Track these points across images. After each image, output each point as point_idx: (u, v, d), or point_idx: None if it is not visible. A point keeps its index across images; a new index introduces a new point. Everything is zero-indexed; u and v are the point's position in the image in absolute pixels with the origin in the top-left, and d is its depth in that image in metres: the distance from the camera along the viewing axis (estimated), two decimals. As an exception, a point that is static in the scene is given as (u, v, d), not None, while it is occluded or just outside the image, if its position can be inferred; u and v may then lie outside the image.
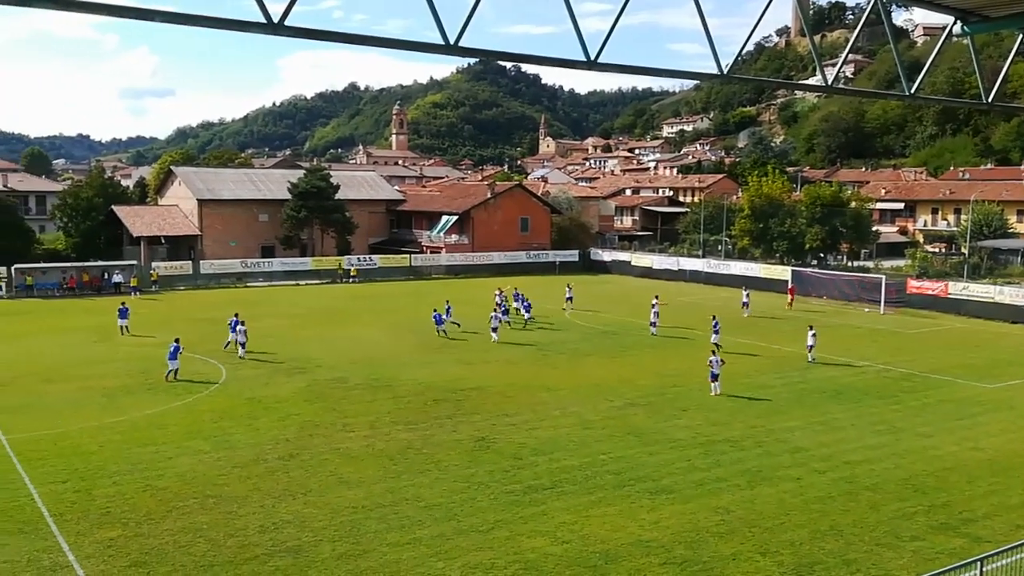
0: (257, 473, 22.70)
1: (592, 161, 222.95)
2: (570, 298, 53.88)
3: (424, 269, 79.54)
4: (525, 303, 48.66)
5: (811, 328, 39.58)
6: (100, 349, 41.21)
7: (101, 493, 21.08)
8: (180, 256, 75.33)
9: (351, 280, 73.13)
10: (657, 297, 48.82)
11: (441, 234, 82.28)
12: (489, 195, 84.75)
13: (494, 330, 42.90)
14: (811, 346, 38.59)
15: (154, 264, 69.97)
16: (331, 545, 18.04)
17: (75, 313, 54.00)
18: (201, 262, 72.02)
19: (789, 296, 59.08)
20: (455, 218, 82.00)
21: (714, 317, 43.39)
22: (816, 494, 21.48)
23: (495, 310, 44.93)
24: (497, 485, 21.85)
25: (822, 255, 76.48)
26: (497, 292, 50.77)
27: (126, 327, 43.89)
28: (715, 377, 31.96)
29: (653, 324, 45.52)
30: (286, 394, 31.79)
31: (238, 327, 39.30)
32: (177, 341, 34.83)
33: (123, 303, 43.91)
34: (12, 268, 63.19)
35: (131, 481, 21.94)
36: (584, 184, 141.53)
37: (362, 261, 77.58)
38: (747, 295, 54.74)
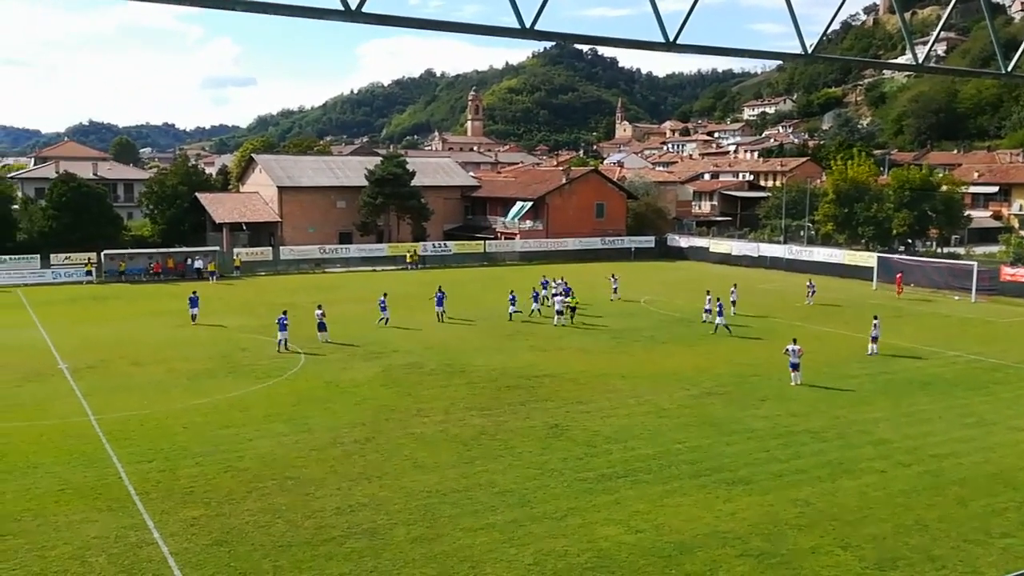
0: (334, 456, 23.16)
1: (670, 145, 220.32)
2: (616, 288, 53.12)
3: (498, 255, 79.86)
4: (555, 292, 47.61)
5: (875, 318, 38.19)
6: (184, 333, 42.52)
7: (185, 473, 21.80)
8: (261, 242, 77.26)
9: (415, 267, 73.95)
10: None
11: (515, 220, 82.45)
12: (564, 180, 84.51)
13: (559, 313, 43.68)
14: (874, 337, 37.04)
15: (235, 250, 71.93)
16: (406, 528, 18.30)
17: (161, 298, 55.83)
18: (281, 248, 73.81)
19: (896, 285, 57.22)
20: (529, 204, 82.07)
21: (734, 286, 46.21)
22: (900, 487, 20.91)
23: (552, 296, 45.94)
24: (570, 472, 21.85)
25: (910, 241, 74.13)
26: (557, 281, 51.18)
27: (195, 316, 44.31)
28: (795, 367, 31.33)
29: (708, 311, 44.23)
30: (362, 378, 32.33)
31: (316, 313, 40.15)
32: (284, 314, 37.98)
33: (194, 291, 44.87)
34: (102, 254, 65.82)
35: (213, 462, 22.62)
36: (661, 169, 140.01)
37: (437, 247, 78.56)
38: (812, 285, 53.58)
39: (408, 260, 74.32)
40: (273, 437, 24.81)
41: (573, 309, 43.34)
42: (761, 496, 20.23)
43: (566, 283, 50.74)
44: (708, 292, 46.64)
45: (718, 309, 42.34)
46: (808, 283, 54.20)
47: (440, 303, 45.33)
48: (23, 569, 16.40)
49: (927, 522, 18.81)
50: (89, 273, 64.54)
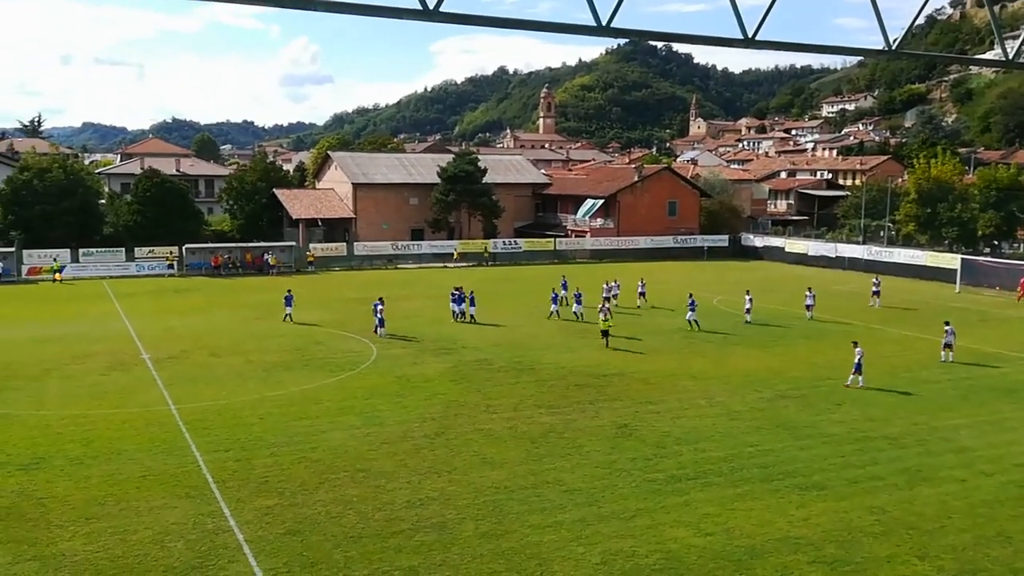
0: (404, 450, 23.44)
1: (745, 143, 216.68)
2: (642, 293, 50.23)
3: (568, 253, 79.77)
4: (576, 293, 46.68)
5: (947, 324, 36.12)
6: (261, 326, 43.49)
7: (260, 463, 22.32)
8: (335, 238, 78.51)
9: (487, 263, 74.51)
10: (810, 289, 47.06)
11: (586, 218, 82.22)
12: (636, 178, 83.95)
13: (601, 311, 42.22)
14: (946, 344, 35.24)
15: (311, 245, 73.29)
16: (474, 523, 18.43)
17: (239, 291, 57.30)
18: (355, 244, 75.01)
19: (1020, 289, 53.98)
20: (601, 202, 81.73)
21: (746, 296, 45.35)
22: (982, 497, 20.23)
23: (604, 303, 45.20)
24: (639, 473, 21.73)
25: (996, 242, 71.57)
26: (610, 283, 50.05)
27: (290, 315, 44.30)
28: (858, 368, 30.62)
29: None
30: (432, 374, 32.64)
31: (376, 307, 40.80)
32: (380, 300, 40.57)
33: (289, 290, 45.20)
34: (184, 248, 67.79)
35: (287, 452, 23.10)
36: (736, 167, 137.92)
37: (507, 244, 78.85)
38: (877, 283, 52.12)
39: (454, 256, 74.84)
40: (345, 430, 25.23)
41: (604, 333, 38.47)
42: (835, 502, 19.79)
43: (617, 284, 50.05)
44: (748, 292, 46.07)
45: (690, 304, 43.30)
46: (874, 280, 52.82)
47: (459, 302, 44.92)
48: (106, 552, 17.03)
49: (1010, 534, 18.17)
50: (171, 266, 66.62)
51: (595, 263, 75.82)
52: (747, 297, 45.14)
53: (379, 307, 40.54)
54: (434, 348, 37.59)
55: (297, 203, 79.56)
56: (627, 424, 25.99)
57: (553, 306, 46.02)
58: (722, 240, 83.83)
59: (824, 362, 34.81)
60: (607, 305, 40.55)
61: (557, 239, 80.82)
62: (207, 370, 33.21)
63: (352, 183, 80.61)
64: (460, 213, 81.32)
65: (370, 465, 22.17)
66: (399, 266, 73.15)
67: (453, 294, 45.52)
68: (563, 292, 49.18)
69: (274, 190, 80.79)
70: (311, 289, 57.21)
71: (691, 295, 44.65)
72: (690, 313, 42.82)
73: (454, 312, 44.70)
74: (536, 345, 38.25)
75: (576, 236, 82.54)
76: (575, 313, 44.90)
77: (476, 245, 77.35)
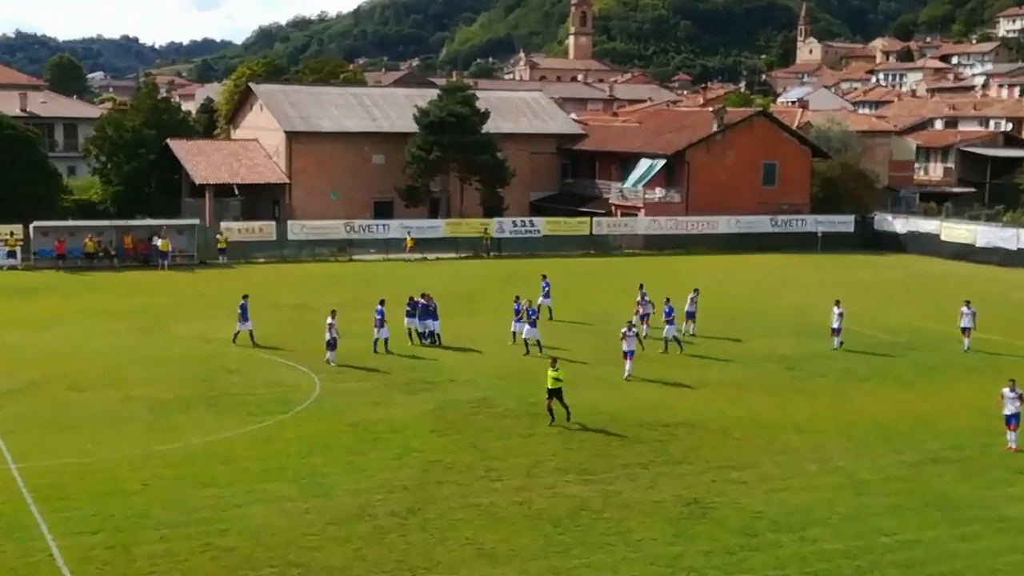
0: (361, 534, 23.39)
1: (881, 75, 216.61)
2: (692, 313, 47.47)
3: (611, 240, 79.83)
4: (530, 309, 45.90)
5: (966, 305, 37.98)
6: (147, 345, 43.49)
7: (143, 552, 22.26)
8: (260, 214, 78.73)
9: (487, 253, 74.96)
10: (968, 304, 46.67)
11: (639, 187, 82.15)
12: (715, 128, 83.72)
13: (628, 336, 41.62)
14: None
15: (223, 225, 73.27)
16: (465, 648, 18.41)
17: (114, 293, 57.38)
18: (289, 223, 75.06)
19: None
20: (661, 163, 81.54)
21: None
22: None
23: (637, 314, 45.42)
24: (716, 573, 21.70)
25: None
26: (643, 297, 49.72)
27: (250, 334, 43.81)
28: (1010, 421, 30.44)
29: (838, 333, 44.37)
30: (405, 419, 32.59)
31: (328, 323, 40.55)
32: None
33: (244, 298, 44.50)
34: (31, 227, 67.48)
35: (184, 536, 23.06)
36: (867, 111, 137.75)
37: (519, 226, 79.02)
38: None
39: (407, 246, 73.90)
40: (273, 503, 25.19)
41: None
42: (1015, 622, 19.71)
43: (647, 299, 48.87)
44: (838, 303, 45.45)
45: (836, 318, 43.64)
46: None
47: (425, 316, 44.69)
48: None
49: None
50: (12, 254, 66.52)
51: (651, 255, 75.82)
52: (836, 311, 44.95)
53: (331, 323, 40.48)
54: (407, 381, 37.59)
55: (202, 161, 79.79)
56: (698, 499, 25.90)
57: (516, 323, 44.37)
58: (845, 222, 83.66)
59: (998, 410, 34.59)
60: (631, 330, 39.68)
61: (595, 219, 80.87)
62: (65, 411, 33.15)
63: (285, 131, 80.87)
64: (448, 179, 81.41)
65: (309, 557, 22.13)
66: (356, 257, 73.27)
67: (412, 305, 44.96)
68: (542, 301, 48.82)
69: (168, 141, 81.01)
70: (222, 289, 57.10)
71: (838, 309, 44.18)
72: (669, 327, 43.09)
73: (409, 331, 44.55)
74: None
75: (623, 214, 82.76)
76: (524, 340, 43.39)
77: (471, 227, 77.49)
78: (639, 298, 47.61)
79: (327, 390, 36.19)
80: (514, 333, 44.17)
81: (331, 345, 40.30)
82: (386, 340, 42.25)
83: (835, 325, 44.59)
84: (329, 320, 40.60)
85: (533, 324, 43.38)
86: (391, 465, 28.20)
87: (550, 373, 32.62)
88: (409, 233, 74.84)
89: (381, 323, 42.19)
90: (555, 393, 32.52)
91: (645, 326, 44.96)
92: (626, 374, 38.61)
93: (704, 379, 38.68)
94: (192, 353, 41.79)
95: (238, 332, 43.74)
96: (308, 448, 29.59)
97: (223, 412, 33.23)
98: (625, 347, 38.78)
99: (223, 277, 64.02)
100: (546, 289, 50.34)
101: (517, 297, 44.56)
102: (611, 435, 31.28)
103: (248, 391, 35.87)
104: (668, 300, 44.85)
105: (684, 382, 38.05)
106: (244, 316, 43.67)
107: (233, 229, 72.69)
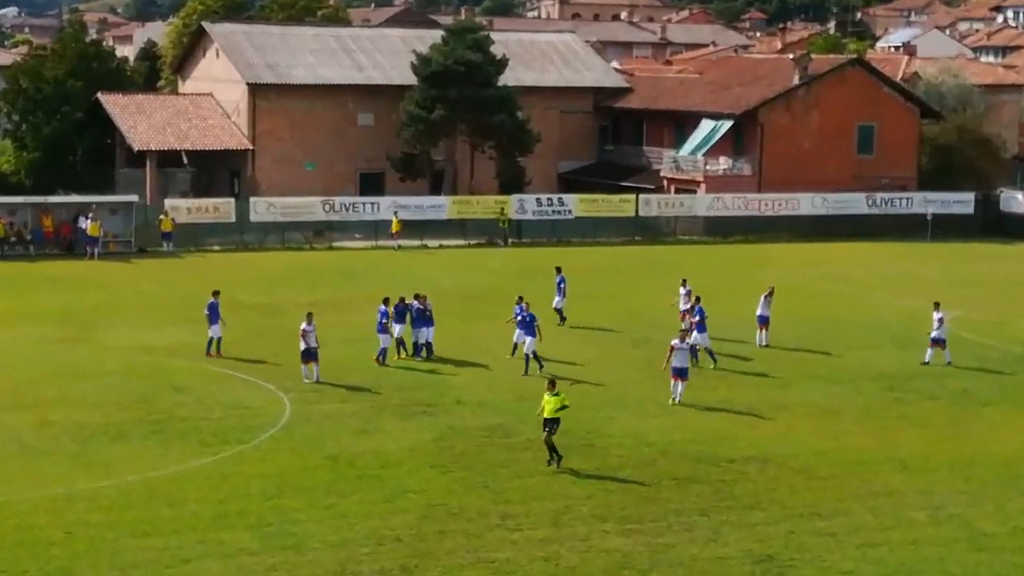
0: (342, 599, 23.35)
1: (1010, 13, 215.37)
2: (764, 318, 47.88)
3: (662, 224, 79.88)
4: (692, 312, 45.71)
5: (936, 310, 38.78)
6: (71, 355, 43.47)
7: (65, 618, 22.26)
8: (215, 189, 79.10)
9: (504, 241, 75.18)
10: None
11: (699, 154, 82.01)
12: (796, 80, 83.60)
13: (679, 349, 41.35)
14: (933, 339, 37.87)
15: (168, 203, 73.20)
16: None
17: (29, 287, 57.45)
18: (252, 201, 75.02)
19: None
20: (727, 125, 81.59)
21: None
22: None
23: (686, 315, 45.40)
24: (799, 652, 21.57)
25: None
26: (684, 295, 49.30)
27: (217, 344, 43.83)
28: None
29: (939, 347, 44.00)
30: (398, 452, 32.47)
31: (303, 329, 40.29)
32: (309, 319, 40.30)
33: (215, 294, 44.45)
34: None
35: (118, 600, 23.04)
36: (991, 59, 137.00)
37: (544, 205, 78.91)
38: None
39: (393, 230, 73.55)
40: (230, 557, 25.07)
41: (550, 424, 33.15)
42: None
43: (688, 292, 48.67)
44: (937, 306, 45.04)
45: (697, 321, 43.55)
46: None
47: (418, 321, 44.38)
48: None
49: None
50: None
51: (712, 243, 76.07)
52: (936, 317, 44.68)
53: (307, 329, 40.15)
54: (401, 403, 37.53)
55: (142, 121, 79.89)
56: (773, 556, 25.78)
57: (519, 333, 43.67)
58: (962, 202, 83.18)
59: None
60: (683, 342, 38.95)
61: (641, 196, 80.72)
62: (-33, 439, 33.26)
63: (248, 84, 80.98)
64: (455, 145, 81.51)
65: (276, 628, 22.08)
66: (337, 244, 73.50)
67: (402, 308, 44.45)
68: (558, 303, 49.32)
69: (99, 96, 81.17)
70: (167, 285, 57.39)
71: (937, 314, 43.85)
72: (699, 335, 42.76)
73: (399, 341, 43.94)
74: (596, 399, 38.18)
75: (678, 190, 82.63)
76: (526, 354, 42.88)
77: (484, 207, 77.56)
78: (680, 297, 47.49)
79: (300, 414, 36.06)
80: (515, 344, 43.72)
81: (308, 356, 40.03)
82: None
83: (935, 334, 44.21)
84: (304, 325, 40.25)
85: (531, 332, 42.56)
86: (381, 510, 28.00)
87: (547, 399, 31.91)
88: (396, 213, 74.68)
89: (384, 328, 42.57)
90: (553, 425, 31.75)
91: (696, 336, 42.57)
92: (675, 398, 38.10)
93: (781, 402, 38.51)
94: (129, 366, 41.67)
95: (212, 339, 43.54)
96: (275, 488, 29.38)
97: (168, 441, 33.05)
98: (676, 363, 38.15)
99: (168, 269, 64.07)
100: (561, 286, 50.10)
101: (520, 298, 44.38)
102: (661, 472, 31.08)
103: (200, 415, 35.76)
104: (698, 300, 45.03)
105: (755, 407, 37.84)
106: (215, 318, 43.52)
107: (181, 208, 72.60)
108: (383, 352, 42.37)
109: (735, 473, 31.27)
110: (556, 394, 31.91)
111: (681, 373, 38.09)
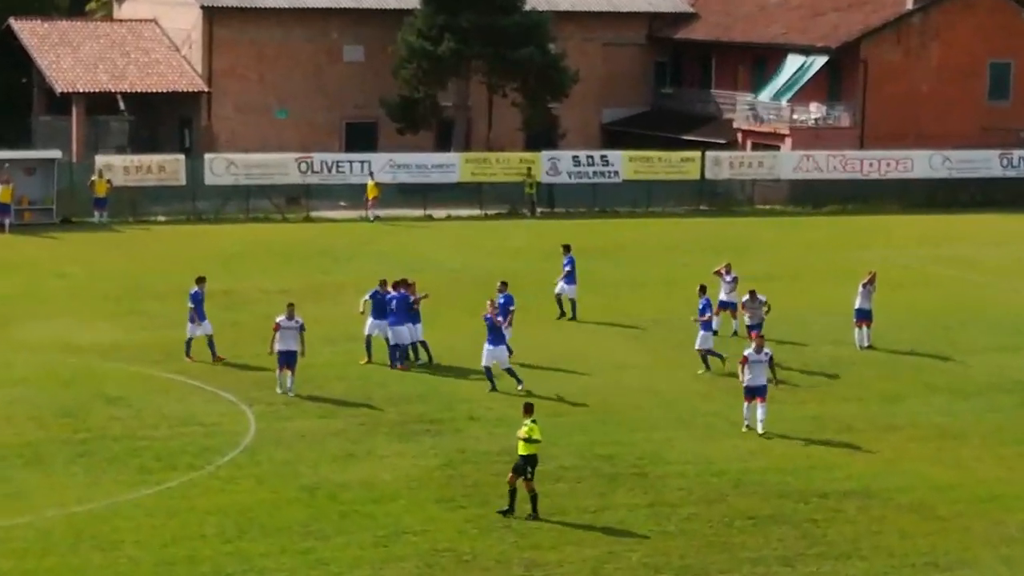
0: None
1: None
2: (864, 314, 47.96)
3: (735, 188, 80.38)
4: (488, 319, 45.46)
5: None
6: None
7: None
8: (161, 143, 79.40)
9: (531, 212, 75.49)
10: None
11: (783, 100, 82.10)
12: (910, 5, 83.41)
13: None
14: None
15: (101, 160, 73.37)
16: None
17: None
18: (208, 159, 75.20)
19: None
20: (820, 62, 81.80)
21: None
22: None
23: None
24: None
25: None
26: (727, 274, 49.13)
27: (209, 341, 43.87)
28: None
29: None
30: (395, 482, 32.40)
31: (278, 323, 40.21)
32: (292, 313, 39.99)
33: (199, 284, 44.40)
34: None
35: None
36: None
37: (584, 166, 78.94)
38: None
39: (368, 199, 73.67)
40: (177, 618, 25.19)
41: (523, 466, 32.21)
42: None
43: (758, 298, 48.55)
44: None
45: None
46: None
47: (400, 316, 44.31)
48: None
49: None
50: None
51: (800, 214, 76.49)
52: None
53: (285, 324, 39.87)
54: (399, 420, 37.58)
55: (67, 56, 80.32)
56: (879, 617, 25.77)
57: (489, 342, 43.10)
58: None
59: None
60: (761, 352, 38.53)
61: (709, 154, 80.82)
62: None
63: (203, 6, 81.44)
64: (468, 87, 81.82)
65: None
66: (315, 214, 73.93)
67: (379, 298, 44.40)
68: (561, 287, 49.78)
69: (10, 22, 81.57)
70: (99, 266, 57.61)
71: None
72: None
73: (368, 340, 44.33)
74: (649, 416, 38.29)
75: (756, 146, 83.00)
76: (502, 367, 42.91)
77: (506, 167, 77.83)
78: (724, 285, 47.72)
79: (268, 432, 36.03)
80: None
81: (283, 360, 39.81)
82: (402, 347, 42.79)
83: None
84: (281, 319, 40.19)
85: (497, 340, 42.10)
86: (371, 557, 27.92)
87: (523, 431, 30.87)
88: (372, 175, 74.60)
89: (399, 321, 42.89)
90: (527, 464, 30.64)
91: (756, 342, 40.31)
92: (751, 424, 37.09)
93: (889, 421, 38.46)
94: (48, 371, 41.79)
95: (191, 339, 43.45)
96: (235, 527, 29.21)
97: (98, 467, 32.96)
98: (750, 379, 37.01)
99: (100, 246, 64.24)
100: (568, 269, 50.15)
101: (503, 285, 44.82)
102: (733, 511, 30.93)
103: (140, 433, 35.69)
104: (703, 290, 44.79)
105: (855, 426, 37.77)
106: (199, 312, 43.36)
107: (117, 167, 72.75)
108: (395, 352, 42.69)
109: (828, 511, 31.07)
110: (531, 423, 30.93)
111: (757, 392, 36.93)
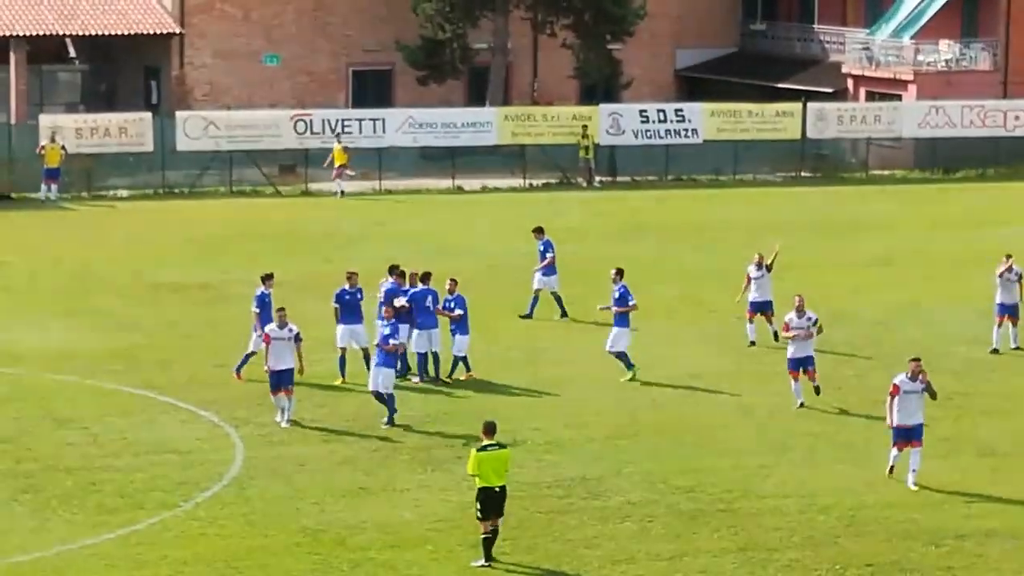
0: None
1: None
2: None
3: (845, 149, 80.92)
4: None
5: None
6: None
7: None
8: (122, 98, 79.87)
9: (588, 181, 76.02)
10: None
11: (906, 38, 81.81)
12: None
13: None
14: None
15: (48, 121, 73.77)
16: None
17: None
18: (181, 117, 75.72)
19: None
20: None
21: None
22: None
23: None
24: None
25: None
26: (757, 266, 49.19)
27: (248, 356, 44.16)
28: None
29: None
30: (416, 522, 32.39)
31: (272, 333, 40.14)
32: (282, 317, 39.70)
33: (265, 284, 42.56)
34: None
35: None
36: None
37: (654, 123, 78.97)
38: None
39: (332, 163, 74.21)
40: None
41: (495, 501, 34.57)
42: None
43: (806, 313, 48.48)
44: None
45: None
46: None
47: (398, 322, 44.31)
48: None
49: None
50: None
51: (927, 182, 76.80)
52: None
53: (278, 335, 39.68)
54: (422, 445, 37.72)
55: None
56: None
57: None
58: None
59: None
60: (918, 383, 38.25)
61: (811, 104, 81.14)
62: None
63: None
64: (507, 24, 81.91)
65: None
66: (315, 186, 74.49)
67: (389, 293, 44.29)
68: (540, 280, 50.06)
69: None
70: (45, 254, 57.90)
71: None
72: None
73: (364, 354, 44.02)
74: (738, 439, 38.45)
75: (872, 96, 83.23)
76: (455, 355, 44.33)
77: (555, 125, 78.07)
78: (751, 281, 47.48)
79: (259, 461, 36.19)
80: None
81: (277, 382, 39.43)
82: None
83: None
84: (272, 328, 40.06)
85: (458, 328, 43.53)
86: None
87: (486, 455, 29.75)
88: (339, 137, 74.70)
89: (427, 324, 43.14)
90: (495, 501, 30.30)
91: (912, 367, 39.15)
92: (893, 469, 35.58)
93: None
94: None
95: (252, 353, 43.07)
96: (220, 579, 29.87)
97: (47, 505, 33.07)
98: (901, 417, 34.63)
99: (47, 228, 64.84)
100: (547, 255, 50.51)
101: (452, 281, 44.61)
102: (846, 557, 30.70)
103: (98, 463, 35.85)
104: (620, 274, 44.37)
105: (997, 450, 37.79)
106: (265, 319, 42.27)
107: (68, 129, 73.24)
108: (424, 362, 43.04)
109: (966, 557, 30.84)
110: (495, 448, 30.04)
111: (911, 434, 34.97)
